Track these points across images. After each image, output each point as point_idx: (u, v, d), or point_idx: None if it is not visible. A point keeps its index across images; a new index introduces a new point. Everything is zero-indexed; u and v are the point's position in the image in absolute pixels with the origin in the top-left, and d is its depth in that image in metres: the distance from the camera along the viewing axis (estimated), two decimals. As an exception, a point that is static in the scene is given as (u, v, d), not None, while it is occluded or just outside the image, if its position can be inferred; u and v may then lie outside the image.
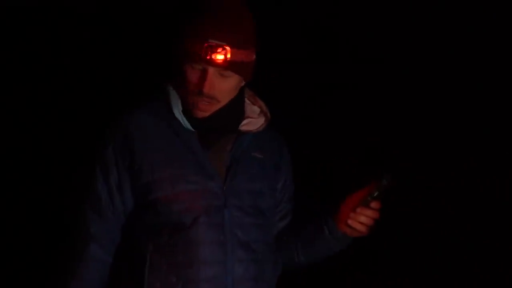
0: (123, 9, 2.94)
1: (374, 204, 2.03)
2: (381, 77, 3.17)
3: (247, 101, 2.13)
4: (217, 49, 1.92)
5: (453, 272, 3.04)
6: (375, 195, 2.03)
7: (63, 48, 2.96)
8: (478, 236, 3.00)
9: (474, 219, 3.04)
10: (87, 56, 2.93)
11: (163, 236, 1.98)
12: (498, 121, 3.06)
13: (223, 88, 1.99)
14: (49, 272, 2.16)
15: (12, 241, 3.01)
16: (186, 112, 2.04)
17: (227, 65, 1.93)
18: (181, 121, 2.03)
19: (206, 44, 1.92)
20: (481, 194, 3.10)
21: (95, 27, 2.98)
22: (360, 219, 2.03)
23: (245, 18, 2.00)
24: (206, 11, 1.97)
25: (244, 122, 2.10)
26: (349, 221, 2.03)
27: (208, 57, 1.92)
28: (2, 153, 2.90)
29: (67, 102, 2.94)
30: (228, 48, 1.93)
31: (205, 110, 2.00)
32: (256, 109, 2.14)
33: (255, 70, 2.08)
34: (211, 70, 1.95)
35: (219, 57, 1.92)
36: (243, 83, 2.08)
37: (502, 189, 3.06)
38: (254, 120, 2.12)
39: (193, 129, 2.04)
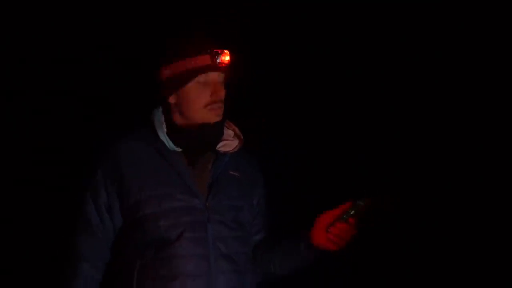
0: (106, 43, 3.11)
1: (351, 221, 2.10)
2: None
3: None
4: (222, 53, 2.14)
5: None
6: (351, 213, 2.09)
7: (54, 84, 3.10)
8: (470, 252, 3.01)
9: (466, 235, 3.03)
10: (79, 87, 3.11)
11: (149, 252, 2.10)
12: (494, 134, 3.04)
13: (224, 93, 2.19)
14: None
15: (7, 260, 3.07)
16: (170, 134, 2.19)
17: (229, 68, 2.16)
18: (166, 143, 2.18)
19: (214, 51, 2.13)
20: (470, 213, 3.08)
21: (84, 61, 3.11)
22: (338, 234, 2.10)
23: (223, 28, 2.31)
24: (194, 29, 2.28)
25: (221, 144, 2.25)
26: (328, 235, 2.11)
27: (217, 62, 2.13)
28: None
29: (60, 131, 3.11)
30: (228, 51, 2.15)
31: (220, 114, 2.18)
32: (231, 132, 2.30)
33: None
34: (220, 76, 2.16)
35: (227, 58, 2.15)
36: None
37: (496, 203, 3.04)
38: (229, 142, 2.27)
39: (177, 149, 2.18)
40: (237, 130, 2.29)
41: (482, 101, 3.11)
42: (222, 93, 2.15)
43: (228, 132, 2.27)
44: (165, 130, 2.18)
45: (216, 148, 2.23)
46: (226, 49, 2.14)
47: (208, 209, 2.14)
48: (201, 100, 2.14)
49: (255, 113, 3.23)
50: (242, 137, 2.29)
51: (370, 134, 3.23)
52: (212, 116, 2.15)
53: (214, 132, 2.18)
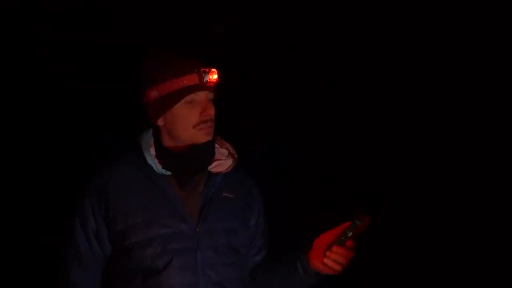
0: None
1: (349, 243, 2.05)
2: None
3: (215, 144, 2.21)
4: (210, 72, 2.08)
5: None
6: (349, 234, 2.04)
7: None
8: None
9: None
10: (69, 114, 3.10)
11: (137, 280, 2.05)
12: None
13: (214, 110, 2.12)
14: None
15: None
16: (159, 157, 2.12)
17: (216, 86, 2.11)
18: (153, 166, 2.11)
19: (202, 70, 2.07)
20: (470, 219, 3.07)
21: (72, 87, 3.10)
22: (335, 258, 2.05)
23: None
24: (179, 48, 2.16)
25: (213, 164, 2.18)
26: (325, 260, 2.06)
27: (205, 81, 2.08)
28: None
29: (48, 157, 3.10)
30: (215, 69, 2.10)
31: (210, 133, 2.12)
32: (224, 151, 2.22)
33: None
34: (207, 95, 2.10)
35: (215, 77, 2.09)
36: None
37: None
38: (222, 161, 2.19)
39: (165, 173, 2.12)
40: (230, 148, 2.22)
41: (482, 100, 3.11)
42: (211, 112, 2.08)
43: (221, 151, 2.20)
44: (153, 153, 2.11)
45: (208, 169, 2.16)
46: (213, 67, 2.08)
47: (198, 234, 2.07)
48: (190, 120, 2.08)
49: (255, 113, 3.23)
50: (236, 156, 2.22)
51: (371, 134, 3.23)
52: (202, 136, 2.09)
53: (204, 152, 2.12)
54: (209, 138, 2.11)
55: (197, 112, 2.08)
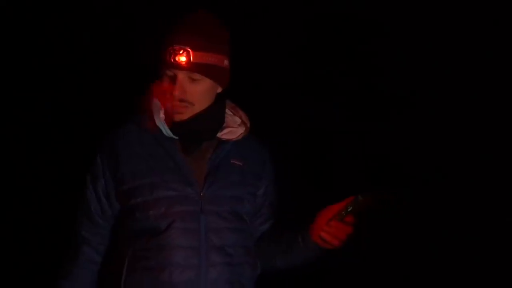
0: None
1: (348, 219, 2.05)
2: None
3: (228, 111, 2.23)
4: (179, 52, 2.06)
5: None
6: (349, 210, 2.03)
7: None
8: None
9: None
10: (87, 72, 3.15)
11: (140, 241, 2.09)
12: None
13: (194, 92, 2.10)
14: (47, 273, 2.35)
15: (12, 244, 3.15)
16: (168, 120, 2.14)
17: (191, 66, 2.07)
18: (162, 129, 2.14)
19: (170, 48, 2.06)
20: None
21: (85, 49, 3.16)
22: (333, 232, 2.05)
23: (210, 26, 2.13)
24: (173, 23, 2.13)
25: (225, 131, 2.20)
26: (322, 233, 2.07)
27: (172, 60, 2.06)
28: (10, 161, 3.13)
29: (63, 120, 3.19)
30: (190, 50, 2.06)
31: (181, 112, 2.12)
32: (237, 119, 2.24)
33: (229, 77, 2.19)
34: (180, 74, 2.08)
35: (182, 58, 2.06)
36: (219, 89, 2.19)
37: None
38: (234, 129, 2.21)
39: (174, 136, 2.15)
40: (244, 117, 2.24)
41: (482, 100, 3.12)
42: (175, 92, 2.07)
43: (234, 119, 2.23)
44: (162, 116, 2.13)
45: (219, 136, 2.18)
46: (189, 48, 2.05)
47: (202, 199, 2.10)
48: (165, 94, 2.10)
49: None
50: (248, 125, 2.24)
51: (371, 134, 3.24)
52: (173, 115, 2.11)
53: (207, 122, 2.14)
54: (181, 117, 2.11)
55: (168, 86, 2.10)
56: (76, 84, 3.20)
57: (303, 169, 3.27)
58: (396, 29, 3.18)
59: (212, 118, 2.15)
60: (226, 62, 2.14)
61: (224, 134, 2.19)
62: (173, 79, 2.09)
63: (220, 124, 2.18)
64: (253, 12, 3.20)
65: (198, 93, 2.10)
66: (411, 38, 3.17)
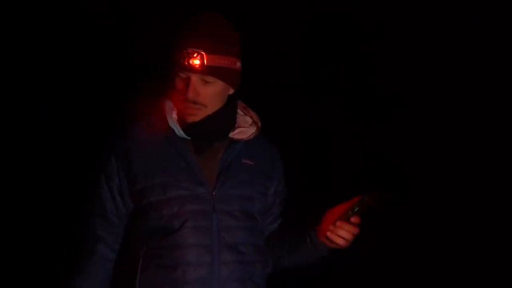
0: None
1: (354, 219, 2.06)
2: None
3: (240, 112, 2.25)
4: (193, 55, 2.07)
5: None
6: (355, 210, 2.04)
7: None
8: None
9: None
10: (98, 72, 3.16)
11: (154, 240, 2.10)
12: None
13: (207, 94, 2.12)
14: (60, 272, 2.32)
15: (24, 243, 3.15)
16: (180, 120, 2.17)
17: (204, 69, 2.08)
18: (175, 130, 2.16)
19: (184, 52, 2.08)
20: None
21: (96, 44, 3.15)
22: (339, 233, 2.06)
23: (223, 29, 2.14)
24: (186, 25, 2.15)
25: (236, 131, 2.22)
26: (328, 234, 2.07)
27: (186, 63, 2.08)
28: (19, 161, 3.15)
29: (74, 117, 3.17)
30: (204, 53, 2.08)
31: (193, 114, 2.13)
32: (248, 119, 2.26)
33: (241, 78, 2.20)
34: (193, 77, 2.10)
35: (196, 62, 2.07)
36: (231, 91, 2.20)
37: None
38: (245, 129, 2.23)
39: (186, 137, 2.16)
40: (255, 116, 2.26)
41: (481, 100, 3.12)
42: (189, 95, 2.08)
43: (245, 119, 2.25)
44: (175, 117, 2.16)
45: (230, 136, 2.20)
46: (204, 52, 2.06)
47: (214, 198, 2.12)
48: (177, 93, 2.12)
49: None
50: (259, 125, 2.25)
51: (371, 134, 3.23)
52: (185, 116, 2.13)
53: (218, 123, 2.15)
54: (193, 119, 2.13)
55: (181, 88, 2.11)
56: (71, 84, 3.20)
57: (303, 169, 3.27)
58: (396, 29, 3.18)
59: (224, 119, 2.17)
60: (238, 64, 2.16)
61: (235, 134, 2.21)
62: (186, 81, 2.10)
63: (232, 125, 2.20)
64: (253, 12, 3.19)
65: (210, 95, 2.12)
66: (411, 38, 3.17)
